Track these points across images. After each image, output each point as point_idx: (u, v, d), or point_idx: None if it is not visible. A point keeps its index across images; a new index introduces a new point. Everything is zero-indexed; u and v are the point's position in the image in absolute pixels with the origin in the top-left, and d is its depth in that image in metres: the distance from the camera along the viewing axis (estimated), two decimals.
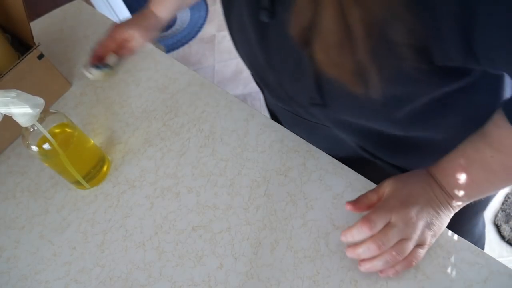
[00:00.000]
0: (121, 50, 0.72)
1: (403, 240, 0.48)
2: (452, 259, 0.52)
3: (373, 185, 0.60)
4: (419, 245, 0.50)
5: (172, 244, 0.61)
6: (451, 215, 0.51)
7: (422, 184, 0.51)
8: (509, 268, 0.51)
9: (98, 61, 0.70)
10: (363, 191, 0.59)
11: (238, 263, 0.57)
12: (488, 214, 1.33)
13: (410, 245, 0.48)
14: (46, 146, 0.60)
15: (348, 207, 0.53)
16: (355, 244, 0.50)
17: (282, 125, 0.71)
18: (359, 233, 0.49)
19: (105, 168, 0.70)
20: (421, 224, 0.49)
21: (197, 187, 0.66)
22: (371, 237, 0.48)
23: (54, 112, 0.63)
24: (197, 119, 0.74)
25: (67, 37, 0.96)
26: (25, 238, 0.67)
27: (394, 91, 0.44)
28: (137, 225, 0.64)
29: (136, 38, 0.72)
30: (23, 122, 0.57)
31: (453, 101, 0.49)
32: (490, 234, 1.30)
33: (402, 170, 0.63)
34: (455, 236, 0.54)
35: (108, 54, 0.71)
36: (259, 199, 0.62)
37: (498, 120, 0.44)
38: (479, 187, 0.48)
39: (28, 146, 0.61)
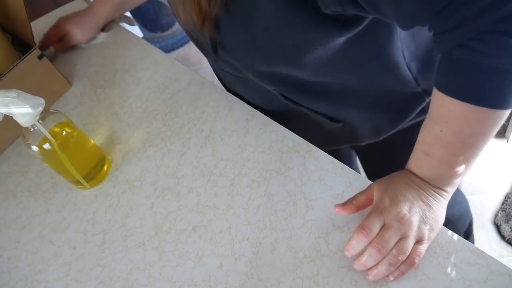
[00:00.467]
0: (58, 44, 0.88)
1: (402, 239, 0.48)
2: (452, 259, 0.52)
3: None
4: (419, 241, 0.50)
5: (172, 244, 0.61)
6: (445, 204, 0.51)
7: (406, 180, 0.51)
8: (509, 268, 0.51)
9: (43, 49, 0.86)
10: None
11: (238, 263, 0.57)
12: (488, 214, 1.33)
13: (410, 242, 0.49)
14: (46, 146, 0.60)
15: (337, 209, 0.54)
16: (359, 255, 0.50)
17: (227, 90, 0.76)
18: (358, 242, 0.49)
19: (105, 168, 0.70)
20: (415, 220, 0.49)
21: (197, 187, 0.66)
22: (370, 243, 0.48)
23: (54, 112, 0.63)
24: (197, 119, 0.74)
25: None
26: (25, 238, 0.67)
27: (287, 39, 0.48)
28: (137, 225, 0.64)
29: (71, 35, 0.87)
30: (23, 122, 0.57)
31: (354, 49, 0.51)
32: (490, 234, 1.30)
33: (330, 118, 0.66)
34: (455, 236, 0.54)
35: (49, 45, 0.88)
36: (259, 199, 0.62)
37: (433, 94, 0.46)
38: (451, 165, 0.49)
39: (29, 146, 0.61)
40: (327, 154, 0.65)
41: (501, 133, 1.49)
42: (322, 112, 0.66)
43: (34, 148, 0.61)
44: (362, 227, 0.49)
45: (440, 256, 0.52)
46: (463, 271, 0.51)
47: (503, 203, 1.34)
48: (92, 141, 0.69)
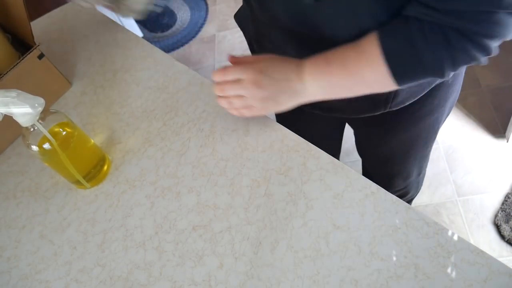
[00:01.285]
0: None
1: (243, 97, 0.57)
2: (452, 259, 0.52)
3: (373, 185, 0.60)
4: (250, 108, 0.58)
5: (173, 243, 0.61)
6: (294, 99, 0.57)
7: (290, 66, 0.56)
8: (509, 268, 0.51)
9: None
10: (363, 191, 0.60)
11: (238, 263, 0.57)
12: (488, 214, 1.33)
13: (246, 102, 0.57)
14: (46, 146, 0.60)
15: (229, 57, 0.61)
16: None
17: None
18: (216, 74, 0.58)
19: (105, 167, 0.70)
20: (263, 93, 0.56)
21: (197, 187, 0.66)
22: (222, 82, 0.58)
23: (54, 112, 0.63)
24: (197, 119, 0.74)
25: (67, 37, 0.96)
26: (25, 238, 0.67)
27: None
28: (138, 225, 0.64)
29: None
30: (23, 122, 0.57)
31: None
32: (490, 234, 1.30)
33: None
34: (455, 236, 0.54)
35: None
36: (259, 199, 0.62)
37: (371, 34, 0.49)
38: (334, 83, 0.54)
39: (29, 146, 0.61)
40: (327, 154, 0.65)
41: (501, 133, 1.49)
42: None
43: (34, 148, 0.61)
44: (224, 69, 0.57)
45: (440, 256, 0.52)
46: (463, 271, 0.51)
47: (503, 203, 1.34)
48: (92, 141, 0.69)
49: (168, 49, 2.25)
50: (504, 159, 1.44)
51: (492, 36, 0.42)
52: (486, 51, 0.44)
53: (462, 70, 0.70)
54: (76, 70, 0.89)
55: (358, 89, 0.54)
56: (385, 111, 0.67)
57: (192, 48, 2.23)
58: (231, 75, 0.57)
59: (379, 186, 0.60)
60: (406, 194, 1.04)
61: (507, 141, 1.47)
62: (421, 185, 1.08)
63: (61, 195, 0.70)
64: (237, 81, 0.56)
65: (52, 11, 1.03)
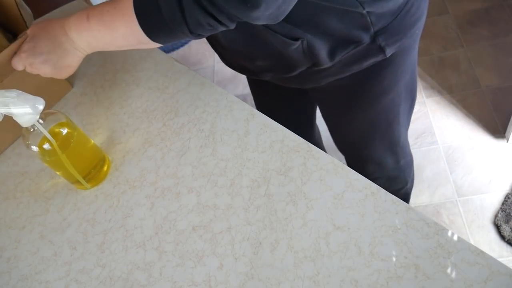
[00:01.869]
0: None
1: (33, 64, 0.63)
2: (452, 259, 0.52)
3: (373, 185, 0.60)
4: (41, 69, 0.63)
5: (173, 244, 0.61)
6: (69, 52, 0.62)
7: (55, 28, 0.61)
8: (510, 268, 0.51)
9: None
10: (363, 191, 0.60)
11: (238, 263, 0.57)
12: (488, 214, 1.33)
13: (34, 68, 0.64)
14: (46, 146, 0.60)
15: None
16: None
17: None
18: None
19: (105, 168, 0.70)
20: (43, 56, 0.61)
21: (197, 187, 0.66)
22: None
23: (54, 112, 0.63)
24: (197, 119, 0.74)
25: None
26: (25, 238, 0.67)
27: None
28: (138, 225, 0.64)
29: None
30: (23, 122, 0.57)
31: None
32: (490, 234, 1.30)
33: (289, 37, 0.65)
34: (455, 236, 0.54)
35: None
36: (259, 199, 0.62)
37: None
38: (95, 38, 0.58)
39: (29, 146, 0.61)
40: (327, 154, 0.65)
41: (501, 133, 1.49)
42: (281, 32, 0.64)
43: (34, 148, 0.61)
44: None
45: (440, 256, 0.52)
46: (464, 271, 0.51)
47: (503, 203, 1.34)
48: (92, 141, 0.69)
49: (168, 49, 2.25)
50: (504, 159, 1.44)
51: (213, 4, 0.45)
52: (214, 17, 0.47)
53: (408, 52, 0.72)
54: (76, 70, 0.88)
55: (119, 43, 0.57)
56: (311, 68, 0.68)
57: (192, 48, 2.23)
58: (20, 66, 0.64)
59: (379, 187, 0.60)
60: (391, 184, 1.05)
61: (507, 141, 1.47)
62: (410, 177, 1.09)
63: (61, 195, 0.70)
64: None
65: (52, 12, 1.03)
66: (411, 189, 1.15)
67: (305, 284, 0.54)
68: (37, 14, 1.01)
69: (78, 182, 0.67)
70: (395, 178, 1.04)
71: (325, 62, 0.66)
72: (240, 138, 0.70)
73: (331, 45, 0.64)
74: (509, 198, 1.34)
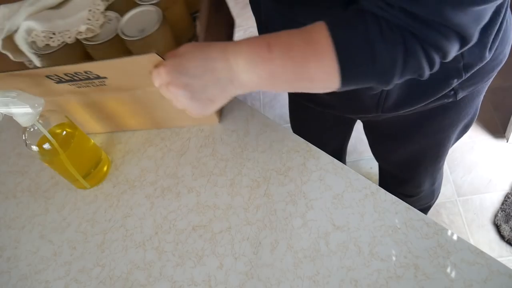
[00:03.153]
0: None
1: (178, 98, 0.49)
2: (452, 259, 0.52)
3: (373, 185, 0.60)
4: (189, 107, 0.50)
5: (172, 244, 0.61)
6: (229, 88, 0.49)
7: (212, 53, 0.48)
8: (509, 268, 0.51)
9: None
10: (363, 191, 0.60)
11: (238, 263, 0.57)
12: (488, 214, 1.33)
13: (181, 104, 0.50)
14: (46, 146, 0.60)
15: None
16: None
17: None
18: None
19: (105, 168, 0.70)
20: (190, 93, 0.48)
21: (197, 187, 0.66)
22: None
23: (54, 111, 0.63)
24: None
25: None
26: (25, 238, 0.67)
27: None
28: (137, 225, 0.64)
29: None
30: (23, 122, 0.57)
31: None
32: (490, 234, 1.30)
33: None
34: (455, 236, 0.54)
35: None
36: (259, 199, 0.62)
37: (320, 24, 0.44)
38: (276, 73, 0.47)
39: (29, 146, 0.61)
40: (327, 154, 0.65)
41: (501, 133, 1.49)
42: None
43: (34, 148, 0.61)
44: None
45: (440, 256, 0.53)
46: (463, 271, 0.51)
47: (503, 203, 1.34)
48: (92, 141, 0.69)
49: None
50: (504, 159, 1.44)
51: (439, 49, 0.41)
52: (431, 63, 0.42)
53: (478, 95, 0.68)
54: None
55: (299, 84, 0.48)
56: (377, 114, 0.67)
57: None
58: (156, 83, 0.50)
59: (379, 187, 0.60)
60: (418, 200, 1.04)
61: (507, 141, 1.47)
62: (437, 195, 1.09)
63: (61, 195, 0.70)
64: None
65: None
66: (434, 202, 1.13)
67: (304, 284, 0.54)
68: None
69: (78, 181, 0.67)
70: (427, 197, 1.04)
71: (392, 111, 0.64)
72: (240, 138, 0.70)
73: (407, 95, 0.61)
74: (509, 198, 1.34)
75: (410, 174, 0.91)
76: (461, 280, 0.51)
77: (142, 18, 0.61)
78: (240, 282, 0.56)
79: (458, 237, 0.54)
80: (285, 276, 0.55)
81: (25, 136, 0.60)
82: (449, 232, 0.54)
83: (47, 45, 0.62)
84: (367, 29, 0.41)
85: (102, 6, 0.64)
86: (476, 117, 0.76)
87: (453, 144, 0.84)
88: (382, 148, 0.89)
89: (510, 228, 1.28)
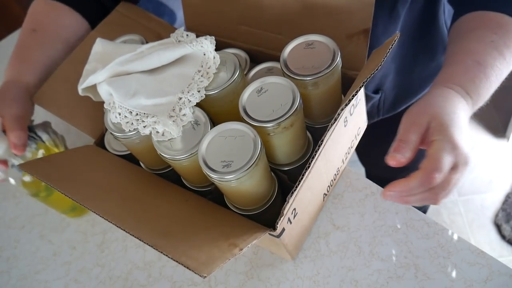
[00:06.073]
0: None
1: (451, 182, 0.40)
2: (453, 259, 0.52)
3: (373, 185, 0.60)
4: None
5: None
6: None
7: (458, 104, 0.44)
8: (510, 268, 0.50)
9: None
10: (363, 191, 0.59)
11: (238, 263, 0.57)
12: (489, 214, 1.33)
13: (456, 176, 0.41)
14: (27, 178, 0.56)
15: (393, 162, 0.43)
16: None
17: None
18: (425, 179, 0.40)
19: None
20: (464, 143, 0.41)
21: None
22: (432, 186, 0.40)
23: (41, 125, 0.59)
24: None
25: None
26: (25, 238, 0.66)
27: None
28: None
29: (10, 117, 0.54)
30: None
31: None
32: (491, 234, 1.29)
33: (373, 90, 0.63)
34: (455, 236, 0.53)
35: None
36: None
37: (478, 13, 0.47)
38: (490, 79, 0.46)
39: (7, 178, 0.56)
40: None
41: (501, 133, 1.49)
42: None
43: (12, 181, 0.56)
44: (436, 169, 0.40)
45: (440, 256, 0.52)
46: (464, 271, 0.51)
47: (503, 203, 1.33)
48: None
49: None
50: (504, 159, 1.43)
51: None
52: None
53: None
54: None
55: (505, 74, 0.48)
56: (379, 118, 0.67)
57: None
58: (446, 166, 0.40)
59: (379, 187, 0.59)
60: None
61: (508, 141, 1.46)
62: None
63: None
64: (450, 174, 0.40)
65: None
66: None
67: (305, 284, 0.54)
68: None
69: (70, 211, 0.65)
70: None
71: (391, 111, 0.65)
72: None
73: (402, 96, 0.63)
74: (509, 197, 1.34)
75: (403, 175, 0.90)
76: (462, 280, 0.50)
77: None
78: (240, 282, 0.56)
79: (459, 237, 0.53)
80: (285, 276, 0.55)
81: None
82: (450, 232, 0.54)
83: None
84: None
85: (205, 82, 0.47)
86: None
87: None
88: (376, 151, 0.88)
89: (511, 227, 1.28)
